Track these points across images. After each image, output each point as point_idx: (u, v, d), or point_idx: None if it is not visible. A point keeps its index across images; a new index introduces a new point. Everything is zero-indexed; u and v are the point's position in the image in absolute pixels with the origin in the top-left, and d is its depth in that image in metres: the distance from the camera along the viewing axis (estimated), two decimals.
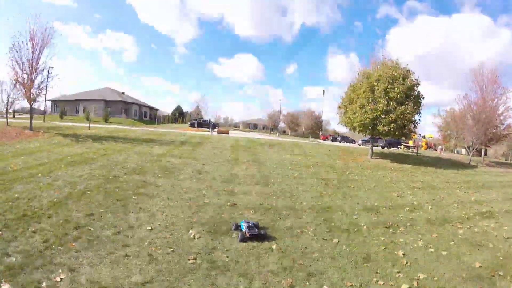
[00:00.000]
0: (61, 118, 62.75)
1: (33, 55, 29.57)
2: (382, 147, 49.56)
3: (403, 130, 27.32)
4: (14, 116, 62.80)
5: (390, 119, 25.88)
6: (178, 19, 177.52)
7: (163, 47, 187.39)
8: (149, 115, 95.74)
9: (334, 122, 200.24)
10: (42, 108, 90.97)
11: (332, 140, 70.84)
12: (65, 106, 73.41)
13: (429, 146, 46.15)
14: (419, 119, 28.02)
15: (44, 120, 48.21)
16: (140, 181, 13.78)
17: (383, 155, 32.36)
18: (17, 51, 28.79)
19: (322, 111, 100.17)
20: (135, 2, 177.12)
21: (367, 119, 26.43)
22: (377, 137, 55.11)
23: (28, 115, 35.08)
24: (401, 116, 25.82)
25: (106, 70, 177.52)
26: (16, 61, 28.93)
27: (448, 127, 62.97)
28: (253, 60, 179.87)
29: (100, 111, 69.46)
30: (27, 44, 29.15)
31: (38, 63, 30.00)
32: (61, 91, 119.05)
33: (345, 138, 71.67)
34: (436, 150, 42.13)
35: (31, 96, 30.26)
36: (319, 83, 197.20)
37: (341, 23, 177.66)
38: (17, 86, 30.89)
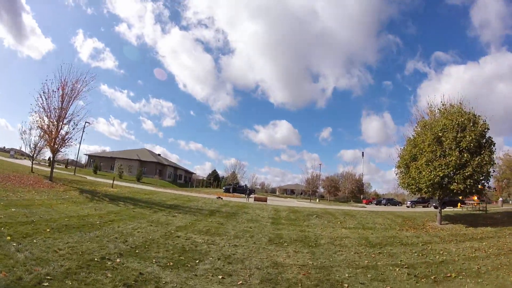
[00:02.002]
0: (95, 172, 63.20)
1: (62, 104, 27.72)
2: (435, 207, 43.73)
3: (479, 186, 22.50)
4: (49, 165, 63.76)
5: (466, 173, 21.06)
6: (214, 88, 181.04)
7: (201, 114, 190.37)
8: (183, 177, 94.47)
9: (374, 184, 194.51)
10: (83, 161, 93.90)
11: (376, 204, 66.86)
12: (100, 162, 73.41)
13: (481, 200, 40.16)
14: (494, 171, 23.37)
15: (74, 173, 47.64)
16: (136, 273, 8.83)
17: (450, 219, 26.65)
18: (46, 98, 27.40)
19: (362, 174, 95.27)
20: (174, 70, 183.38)
21: (437, 177, 21.67)
22: (422, 196, 51.04)
23: (67, 166, 34.63)
24: (477, 169, 21.07)
25: (146, 133, 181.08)
26: (43, 108, 27.54)
27: (504, 175, 57.28)
28: (288, 126, 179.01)
29: (134, 170, 69.08)
30: (56, 91, 27.74)
31: (65, 114, 28.27)
32: (100, 147, 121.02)
33: (390, 201, 67.26)
34: (483, 203, 36.33)
35: (54, 146, 28.45)
36: (354, 146, 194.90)
37: (372, 84, 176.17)
38: (42, 134, 29.57)
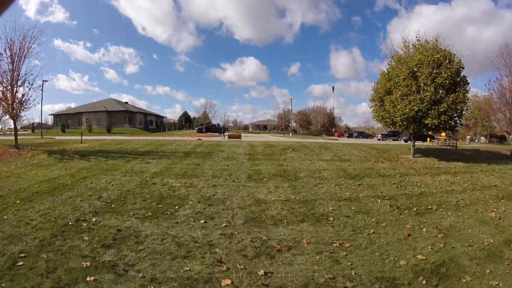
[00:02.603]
0: (63, 131, 61.01)
1: (12, 66, 25.40)
2: (405, 141, 45.16)
3: (452, 122, 22.83)
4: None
5: (441, 109, 21.09)
6: (175, 29, 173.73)
7: (164, 57, 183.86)
8: (154, 123, 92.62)
9: (345, 118, 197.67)
10: (50, 123, 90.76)
11: (348, 137, 68.24)
12: (67, 119, 70.85)
13: (448, 137, 41.50)
14: (466, 109, 23.28)
15: (41, 135, 46.10)
16: (113, 231, 8.36)
17: (422, 152, 27.13)
18: None
19: (333, 108, 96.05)
20: (131, 14, 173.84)
21: (412, 111, 21.54)
22: (394, 130, 52.24)
23: (34, 130, 32.43)
24: (452, 106, 21.14)
25: (110, 82, 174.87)
26: None
27: (473, 114, 59.43)
28: (256, 62, 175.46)
29: (104, 122, 67.75)
30: (3, 53, 25.09)
31: (18, 75, 25.85)
32: (65, 105, 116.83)
33: (361, 134, 69.07)
34: (452, 140, 37.62)
35: (13, 111, 26.16)
36: (323, 81, 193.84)
37: (340, 19, 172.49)
38: None
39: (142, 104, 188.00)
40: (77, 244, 7.47)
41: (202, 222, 9.05)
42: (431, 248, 7.48)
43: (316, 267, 6.48)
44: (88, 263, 6.47)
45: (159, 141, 31.60)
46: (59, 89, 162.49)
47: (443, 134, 39.60)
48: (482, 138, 67.38)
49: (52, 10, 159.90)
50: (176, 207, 10.55)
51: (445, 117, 21.37)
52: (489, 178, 17.51)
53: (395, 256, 7.03)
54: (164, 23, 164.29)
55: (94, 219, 9.23)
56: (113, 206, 10.71)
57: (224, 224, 8.87)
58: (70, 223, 8.91)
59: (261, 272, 6.18)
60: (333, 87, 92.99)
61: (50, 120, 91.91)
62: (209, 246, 7.46)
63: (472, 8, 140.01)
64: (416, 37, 24.13)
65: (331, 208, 10.69)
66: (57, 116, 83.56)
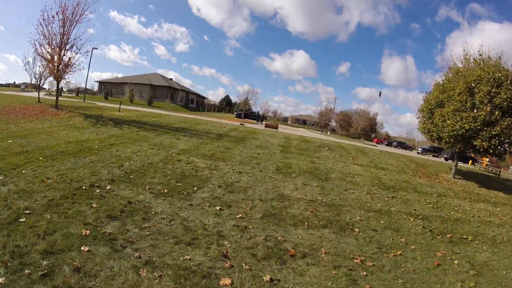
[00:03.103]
0: (106, 98, 62.38)
1: (63, 29, 26.21)
2: (446, 159, 43.40)
3: (505, 148, 21.04)
4: (61, 94, 63.35)
5: (493, 132, 19.30)
6: (230, 13, 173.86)
7: (215, 39, 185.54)
8: (195, 102, 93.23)
9: (387, 126, 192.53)
10: (95, 89, 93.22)
11: (387, 145, 66.32)
12: (112, 88, 72.17)
13: (491, 163, 39.14)
14: None
15: (84, 100, 47.64)
16: (124, 202, 7.93)
17: (462, 174, 25.28)
18: (46, 25, 25.54)
19: (376, 113, 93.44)
20: None
21: (462, 129, 19.86)
22: (435, 146, 49.82)
23: (78, 94, 33.69)
24: (506, 131, 19.26)
25: (158, 58, 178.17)
26: (44, 35, 25.74)
27: None
28: (305, 56, 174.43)
29: (146, 95, 68.96)
30: (55, 17, 25.75)
31: (68, 39, 26.63)
32: (112, 74, 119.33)
33: (401, 144, 67.18)
34: (495, 167, 35.37)
35: (58, 73, 27.05)
36: (371, 84, 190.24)
37: (399, 24, 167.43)
38: (46, 63, 27.67)
39: (186, 83, 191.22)
40: (83, 210, 7.12)
41: (218, 208, 8.41)
42: (461, 286, 6.51)
43: (329, 284, 5.70)
44: (88, 232, 6.12)
45: (195, 120, 31.44)
46: (109, 59, 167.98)
47: (486, 159, 37.53)
48: None
49: None
50: (195, 188, 9.99)
51: (496, 141, 19.60)
52: None
53: None
54: (220, 5, 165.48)
55: (108, 187, 8.89)
56: (131, 176, 10.31)
57: (240, 215, 8.19)
58: (84, 187, 8.61)
59: (267, 277, 5.47)
60: (380, 92, 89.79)
61: (96, 87, 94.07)
62: (218, 237, 6.81)
63: None
64: (479, 51, 22.19)
65: (358, 217, 9.77)
66: (102, 83, 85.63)
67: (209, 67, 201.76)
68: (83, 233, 6.02)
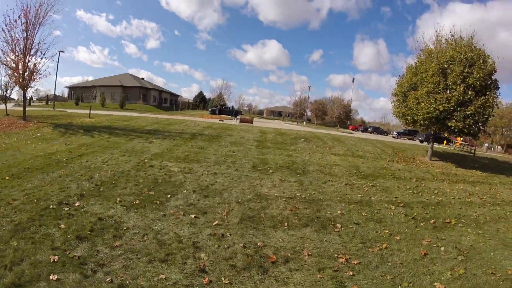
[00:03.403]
0: (76, 104, 60.90)
1: (26, 34, 24.88)
2: (421, 141, 44.12)
3: (479, 127, 21.15)
4: (30, 104, 61.74)
5: (468, 112, 19.47)
6: (200, 5, 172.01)
7: (186, 34, 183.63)
8: (169, 101, 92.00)
9: (361, 112, 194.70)
10: (66, 95, 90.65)
11: (362, 131, 66.64)
12: (82, 93, 70.45)
13: (464, 142, 40.01)
14: (492, 115, 21.39)
15: (54, 108, 46.68)
16: (94, 219, 7.48)
17: (438, 155, 25.55)
18: (8, 30, 24.21)
19: (351, 100, 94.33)
20: None
21: (437, 111, 19.97)
22: (410, 129, 50.33)
23: (48, 102, 32.25)
24: (480, 110, 19.46)
25: (129, 57, 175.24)
26: (7, 42, 24.46)
27: (494, 121, 56.89)
28: (278, 46, 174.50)
29: (118, 98, 67.65)
30: (17, 21, 24.40)
31: (32, 44, 25.26)
32: (83, 78, 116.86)
33: (376, 129, 67.23)
34: (470, 147, 36.14)
35: (24, 81, 25.69)
36: (344, 71, 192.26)
37: (370, 8, 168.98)
38: (11, 72, 26.13)
39: (159, 81, 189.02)
40: (51, 233, 6.70)
41: (193, 217, 8.03)
42: (451, 274, 6.33)
43: None
44: (56, 258, 5.71)
45: (168, 120, 30.67)
46: (78, 61, 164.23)
47: (459, 138, 38.22)
48: (498, 147, 65.44)
49: None
50: (168, 195, 9.58)
51: (471, 120, 19.78)
52: (509, 192, 16.11)
53: (410, 282, 5.90)
54: None
55: (77, 203, 8.44)
56: (101, 189, 9.85)
57: (217, 222, 7.83)
58: (51, 206, 8.16)
59: None
60: (353, 78, 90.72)
61: (66, 93, 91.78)
62: (194, 249, 6.45)
63: (507, 12, 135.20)
64: (450, 32, 22.23)
65: (339, 212, 9.53)
66: (72, 88, 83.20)
67: (181, 63, 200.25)
68: (51, 260, 5.63)
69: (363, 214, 9.64)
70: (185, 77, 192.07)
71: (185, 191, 10.15)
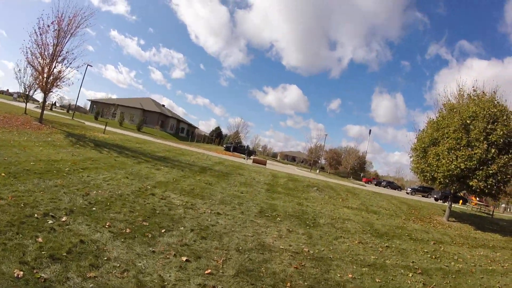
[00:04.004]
0: (95, 119, 61.41)
1: (57, 40, 25.20)
2: (436, 199, 42.57)
3: (501, 188, 19.80)
4: (51, 109, 62.61)
5: (490, 171, 18.36)
6: (227, 43, 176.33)
7: (211, 68, 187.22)
8: (186, 131, 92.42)
9: (376, 164, 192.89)
10: (88, 108, 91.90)
11: (376, 184, 65.03)
12: (103, 108, 70.94)
13: (479, 202, 38.50)
14: None
15: (73, 117, 47.31)
16: (75, 241, 6.57)
17: (456, 216, 24.36)
18: (40, 34, 24.55)
19: (366, 151, 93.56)
20: (187, 19, 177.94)
21: (458, 169, 18.92)
22: (425, 186, 48.67)
23: (69, 110, 32.50)
24: (503, 169, 18.36)
25: (154, 83, 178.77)
26: (37, 44, 24.72)
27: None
28: (298, 91, 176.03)
29: (137, 119, 68.47)
30: (50, 26, 24.82)
31: (60, 51, 25.53)
32: (107, 95, 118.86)
33: (390, 184, 65.95)
34: (488, 207, 34.71)
35: (46, 86, 25.78)
36: (361, 122, 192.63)
37: (390, 61, 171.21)
38: (37, 74, 26.41)
39: (179, 111, 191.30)
40: (26, 244, 5.92)
41: (184, 259, 7.01)
42: None
43: None
44: (22, 273, 4.94)
45: (181, 150, 30.03)
46: (105, 78, 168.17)
47: (475, 198, 36.85)
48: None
49: (115, 1, 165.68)
50: (163, 230, 8.60)
51: (493, 180, 18.66)
52: None
53: None
54: (218, 34, 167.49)
55: (64, 218, 7.63)
56: (94, 208, 9.00)
57: (210, 271, 6.75)
58: (36, 215, 7.39)
59: None
60: (370, 130, 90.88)
61: (88, 106, 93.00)
62: None
63: None
64: (473, 87, 21.62)
65: (350, 275, 8.37)
66: (94, 102, 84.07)
67: (202, 96, 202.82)
68: (16, 274, 4.89)
69: (377, 280, 8.47)
70: (204, 111, 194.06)
71: (183, 228, 9.16)
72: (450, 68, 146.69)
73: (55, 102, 76.90)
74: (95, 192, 10.69)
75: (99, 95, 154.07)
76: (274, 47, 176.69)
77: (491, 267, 12.12)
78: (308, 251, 9.65)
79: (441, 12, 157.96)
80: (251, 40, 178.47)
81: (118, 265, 6.11)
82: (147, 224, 8.79)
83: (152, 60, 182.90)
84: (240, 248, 8.57)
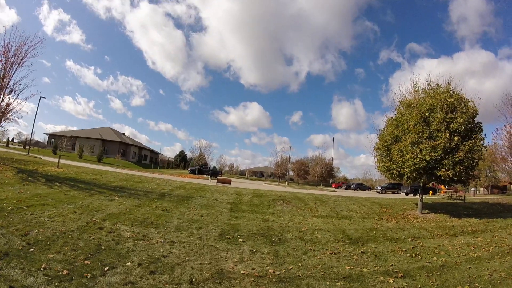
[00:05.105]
0: (54, 153, 59.09)
1: (4, 72, 23.78)
2: (406, 194, 44.06)
3: (469, 173, 20.16)
4: (7, 145, 60.04)
5: (457, 159, 18.62)
6: (184, 66, 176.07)
7: (170, 93, 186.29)
8: (149, 158, 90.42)
9: (343, 169, 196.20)
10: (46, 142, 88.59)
11: (346, 188, 66.71)
12: (61, 141, 68.42)
13: (449, 189, 39.31)
14: (481, 158, 20.65)
15: (28, 152, 46.22)
16: (5, 287, 5.54)
17: (428, 207, 24.35)
18: None
19: (332, 158, 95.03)
20: (143, 46, 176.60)
21: (423, 161, 19.03)
22: (394, 183, 49.31)
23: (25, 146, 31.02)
24: (469, 155, 18.66)
25: (114, 112, 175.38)
26: None
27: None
28: (259, 108, 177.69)
29: (97, 150, 67.08)
30: None
31: (8, 83, 24.07)
32: (66, 127, 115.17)
33: (360, 186, 67.95)
34: (459, 193, 35.54)
35: None
36: (324, 131, 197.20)
37: (345, 70, 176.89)
38: None
39: (143, 138, 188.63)
40: None
41: None
42: None
43: None
44: None
45: (140, 178, 28.51)
46: (63, 111, 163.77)
47: (443, 186, 37.33)
48: (482, 190, 65.13)
49: (69, 30, 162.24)
50: (106, 268, 7.49)
51: (461, 167, 18.82)
52: None
53: None
54: (174, 59, 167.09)
55: None
56: (32, 249, 7.98)
57: None
58: None
59: None
60: (333, 138, 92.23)
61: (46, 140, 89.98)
62: None
63: (473, 61, 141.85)
64: (427, 81, 22.10)
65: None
66: (52, 136, 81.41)
67: (165, 122, 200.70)
68: None
69: None
70: (168, 136, 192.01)
71: (129, 263, 8.03)
72: (402, 70, 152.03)
73: (12, 139, 74.25)
74: (36, 231, 9.65)
75: (59, 128, 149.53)
76: (232, 67, 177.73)
77: (475, 254, 11.59)
78: (274, 272, 8.60)
79: (389, 19, 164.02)
80: (208, 62, 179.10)
81: None
82: (89, 262, 7.69)
83: (110, 88, 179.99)
84: (194, 279, 7.45)
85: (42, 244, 8.54)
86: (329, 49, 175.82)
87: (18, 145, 73.14)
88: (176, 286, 6.96)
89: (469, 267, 9.94)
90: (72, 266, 7.33)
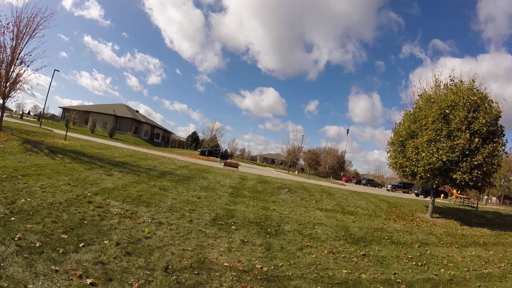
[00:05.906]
0: (66, 126, 58.20)
1: (15, 42, 23.52)
2: (417, 195, 42.45)
3: (486, 179, 18.61)
4: (21, 118, 60.50)
5: (475, 162, 17.26)
6: (202, 47, 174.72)
7: (187, 73, 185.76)
8: (161, 137, 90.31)
9: (355, 163, 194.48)
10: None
11: (356, 183, 65.66)
12: (74, 115, 68.68)
13: (460, 195, 38.11)
14: (499, 164, 19.16)
15: (40, 125, 46.53)
16: None
17: (439, 212, 23.25)
18: None
19: (345, 151, 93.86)
20: (161, 24, 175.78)
21: (439, 161, 17.75)
22: (405, 182, 48.04)
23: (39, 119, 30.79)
24: (488, 159, 17.30)
25: (130, 89, 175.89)
26: None
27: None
28: (275, 94, 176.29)
29: (110, 126, 67.49)
30: (6, 27, 23.04)
31: (19, 54, 23.84)
32: (82, 103, 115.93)
33: (370, 182, 66.04)
34: (471, 200, 34.40)
35: (4, 90, 24.06)
36: (339, 122, 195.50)
37: (365, 61, 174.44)
38: None
39: (157, 117, 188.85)
40: None
41: (88, 283, 5.46)
42: None
43: None
44: None
45: (145, 154, 28.12)
46: (80, 86, 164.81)
47: (455, 191, 36.14)
48: (494, 199, 63.68)
49: (88, 5, 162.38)
50: (81, 244, 7.04)
51: (479, 172, 17.45)
52: None
53: None
54: (192, 39, 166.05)
55: None
56: (12, 218, 7.70)
57: None
58: None
59: None
60: (347, 130, 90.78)
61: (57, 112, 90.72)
62: None
63: (497, 65, 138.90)
64: (450, 77, 20.47)
65: None
66: (66, 110, 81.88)
67: (180, 102, 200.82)
68: None
69: None
70: (182, 116, 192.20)
71: (107, 241, 7.54)
72: (424, 67, 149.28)
73: (29, 111, 74.77)
74: (23, 200, 9.37)
75: (75, 103, 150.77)
76: (250, 50, 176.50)
77: (486, 270, 10.85)
78: (261, 268, 7.86)
79: (414, 12, 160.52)
80: (227, 44, 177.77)
81: (6, 285, 4.82)
82: (66, 237, 7.28)
83: (127, 66, 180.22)
84: (171, 266, 6.85)
85: (25, 214, 8.24)
86: (350, 39, 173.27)
87: (33, 118, 73.58)
88: (149, 272, 6.39)
89: (479, 285, 9.21)
90: (48, 239, 6.95)
